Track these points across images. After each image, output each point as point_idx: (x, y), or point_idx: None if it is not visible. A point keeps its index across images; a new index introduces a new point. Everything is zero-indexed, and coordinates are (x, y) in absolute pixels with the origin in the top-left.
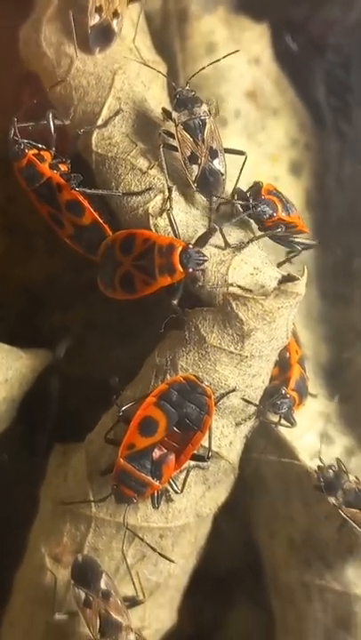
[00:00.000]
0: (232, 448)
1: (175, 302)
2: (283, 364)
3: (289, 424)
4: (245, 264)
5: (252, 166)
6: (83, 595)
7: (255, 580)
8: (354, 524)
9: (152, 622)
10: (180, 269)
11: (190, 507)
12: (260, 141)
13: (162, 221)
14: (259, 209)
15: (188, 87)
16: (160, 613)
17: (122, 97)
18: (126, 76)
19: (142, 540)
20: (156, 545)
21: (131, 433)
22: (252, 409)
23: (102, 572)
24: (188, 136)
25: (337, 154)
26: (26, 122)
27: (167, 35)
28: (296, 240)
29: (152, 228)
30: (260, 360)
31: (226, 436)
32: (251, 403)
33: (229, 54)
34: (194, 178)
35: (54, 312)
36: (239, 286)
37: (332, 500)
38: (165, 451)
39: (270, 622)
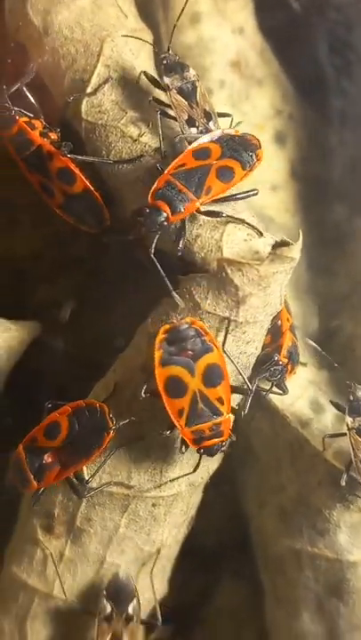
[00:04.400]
0: None
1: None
2: (274, 332)
3: (281, 391)
4: (239, 230)
5: None
6: (108, 609)
7: (241, 552)
8: (353, 453)
9: (144, 592)
10: None
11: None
12: (244, 111)
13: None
14: None
15: (171, 52)
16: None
17: (111, 64)
18: (115, 43)
19: None
20: (149, 514)
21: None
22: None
23: (134, 598)
24: (183, 100)
25: (322, 123)
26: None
27: (151, 5)
28: None
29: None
30: (255, 326)
31: None
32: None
33: None
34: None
35: (40, 286)
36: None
37: (349, 419)
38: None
39: (256, 594)
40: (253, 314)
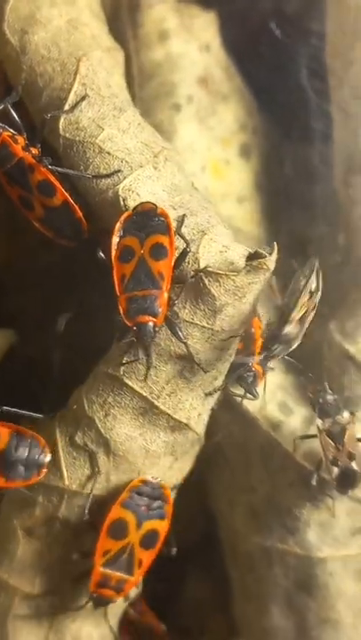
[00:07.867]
0: (200, 420)
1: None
2: (247, 339)
3: (252, 396)
4: (214, 242)
5: (205, 150)
6: None
7: (207, 550)
8: (324, 454)
9: None
10: None
11: (159, 477)
12: (211, 126)
13: (131, 202)
14: None
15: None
16: None
17: (87, 83)
18: (90, 62)
19: None
20: None
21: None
22: (220, 381)
23: None
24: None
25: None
26: None
27: (119, 23)
28: None
29: (122, 209)
30: (230, 334)
31: (195, 408)
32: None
33: None
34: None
35: (12, 294)
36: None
37: (319, 422)
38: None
39: (223, 588)
40: (229, 322)
